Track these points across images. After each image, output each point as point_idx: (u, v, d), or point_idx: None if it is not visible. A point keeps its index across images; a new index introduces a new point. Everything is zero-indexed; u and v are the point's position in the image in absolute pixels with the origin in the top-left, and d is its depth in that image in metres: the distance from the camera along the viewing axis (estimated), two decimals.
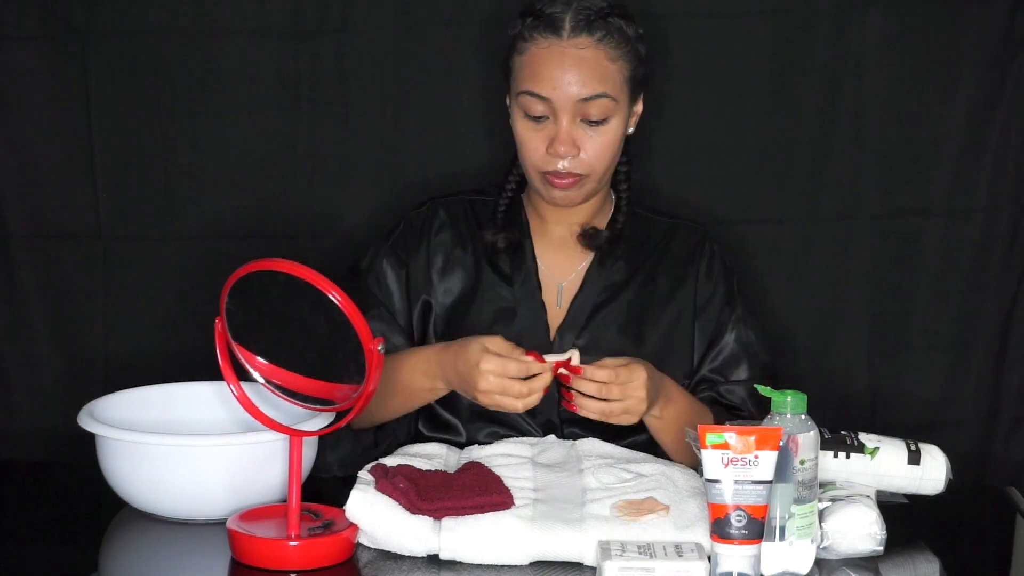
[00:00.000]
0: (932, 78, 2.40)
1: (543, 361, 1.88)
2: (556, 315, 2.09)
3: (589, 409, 1.89)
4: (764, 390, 1.70)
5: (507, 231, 2.10)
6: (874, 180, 2.42)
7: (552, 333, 2.07)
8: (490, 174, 2.26)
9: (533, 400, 1.87)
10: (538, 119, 2.00)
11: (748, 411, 2.07)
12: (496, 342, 1.89)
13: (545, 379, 1.87)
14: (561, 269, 2.11)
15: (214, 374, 1.80)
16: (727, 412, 2.06)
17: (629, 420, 1.90)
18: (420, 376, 1.99)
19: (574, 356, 1.89)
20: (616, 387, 1.87)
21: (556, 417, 2.06)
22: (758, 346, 2.12)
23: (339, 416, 1.78)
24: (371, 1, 2.40)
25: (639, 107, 2.08)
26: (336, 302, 1.64)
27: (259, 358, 1.74)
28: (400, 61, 2.41)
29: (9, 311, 2.46)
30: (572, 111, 1.98)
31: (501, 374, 1.86)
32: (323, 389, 1.73)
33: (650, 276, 2.11)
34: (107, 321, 2.46)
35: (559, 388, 1.94)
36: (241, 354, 1.74)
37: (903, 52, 2.39)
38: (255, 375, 1.75)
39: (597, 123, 2.00)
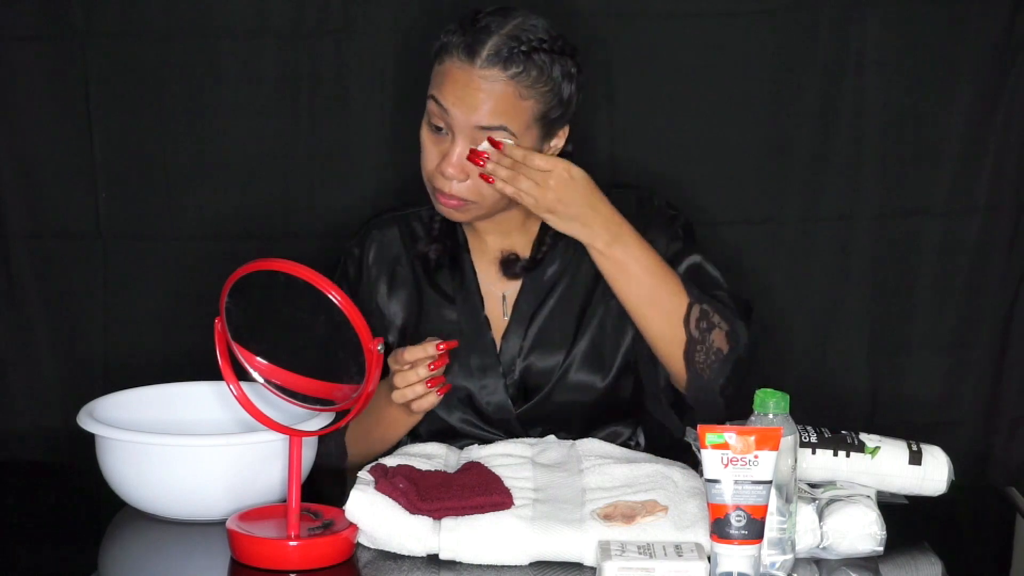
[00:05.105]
0: (932, 78, 2.40)
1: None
2: (502, 326, 2.07)
3: (499, 176, 1.93)
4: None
5: (441, 242, 2.08)
6: (874, 180, 2.42)
7: (499, 345, 2.06)
8: None
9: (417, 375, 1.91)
10: (439, 129, 1.97)
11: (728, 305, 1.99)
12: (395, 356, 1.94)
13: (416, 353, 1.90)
14: (502, 279, 2.09)
15: (214, 374, 1.80)
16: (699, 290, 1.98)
17: (533, 206, 1.93)
18: (383, 398, 1.97)
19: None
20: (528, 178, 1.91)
21: (515, 420, 2.06)
22: (715, 273, 2.04)
23: (339, 416, 1.78)
24: (371, 1, 2.40)
25: (558, 142, 2.01)
26: (336, 302, 1.64)
27: (259, 358, 1.74)
28: (400, 61, 2.41)
29: (9, 311, 2.45)
30: (469, 135, 1.95)
31: (402, 383, 1.92)
32: (323, 389, 1.73)
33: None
34: (107, 321, 2.46)
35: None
36: (241, 354, 1.74)
37: (903, 52, 2.39)
38: (255, 375, 1.75)
39: None
